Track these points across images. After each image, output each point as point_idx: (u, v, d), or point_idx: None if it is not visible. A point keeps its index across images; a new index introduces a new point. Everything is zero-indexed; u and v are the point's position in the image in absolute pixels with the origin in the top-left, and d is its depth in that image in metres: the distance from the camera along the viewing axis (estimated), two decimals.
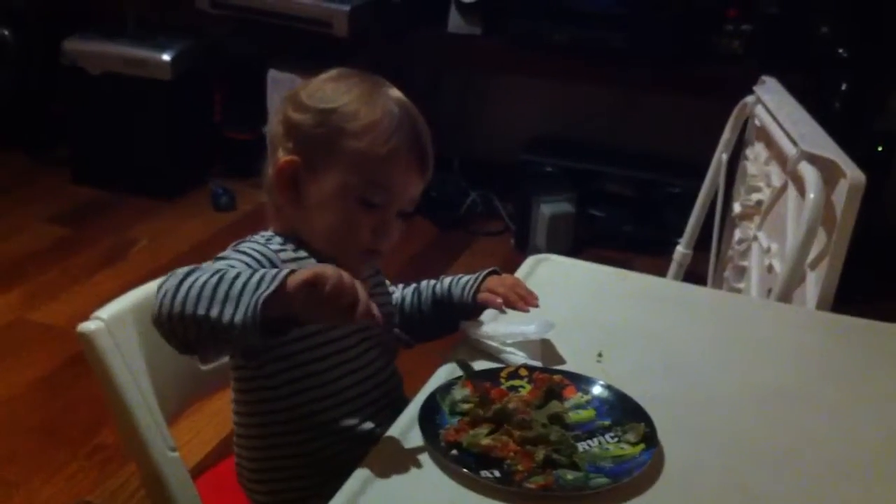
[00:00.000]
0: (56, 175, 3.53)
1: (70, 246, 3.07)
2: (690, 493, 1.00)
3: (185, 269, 0.99)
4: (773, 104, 1.99)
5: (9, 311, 2.66)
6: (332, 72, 1.17)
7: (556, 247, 3.01)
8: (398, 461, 1.00)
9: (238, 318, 0.92)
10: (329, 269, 0.93)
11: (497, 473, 0.98)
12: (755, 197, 2.03)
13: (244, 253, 1.09)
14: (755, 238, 1.99)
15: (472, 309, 1.29)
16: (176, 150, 3.48)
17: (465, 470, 0.97)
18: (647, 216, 3.32)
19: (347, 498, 0.95)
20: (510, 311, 1.25)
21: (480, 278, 1.29)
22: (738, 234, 2.14)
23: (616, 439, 1.05)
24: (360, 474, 0.98)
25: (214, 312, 0.93)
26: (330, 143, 1.11)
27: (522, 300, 1.25)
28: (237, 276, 0.95)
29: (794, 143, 1.76)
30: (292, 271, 0.93)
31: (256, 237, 1.15)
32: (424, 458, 1.01)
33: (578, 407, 1.11)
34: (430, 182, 1.19)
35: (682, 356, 1.29)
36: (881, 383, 1.27)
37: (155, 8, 3.55)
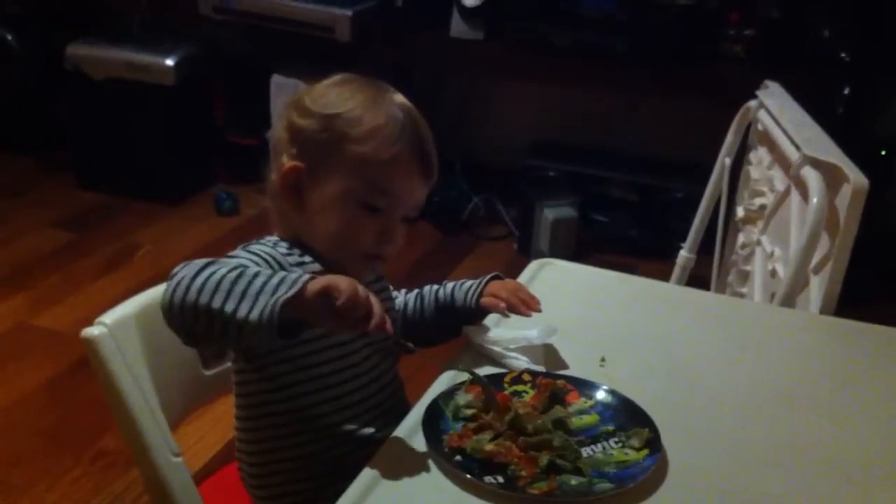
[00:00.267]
0: (59, 180, 3.54)
1: (74, 251, 3.07)
2: (693, 497, 1.00)
3: (203, 260, 0.99)
4: (775, 108, 1.99)
5: (13, 316, 2.66)
6: (336, 77, 1.17)
7: (559, 251, 3.01)
8: (401, 465, 1.00)
9: (254, 315, 0.92)
10: (344, 282, 0.93)
11: (501, 479, 0.97)
12: (758, 201, 2.03)
13: (254, 253, 1.09)
14: (758, 242, 1.98)
15: (475, 314, 1.29)
16: (179, 154, 3.49)
17: (468, 476, 0.97)
18: (650, 220, 3.32)
19: (351, 502, 0.95)
20: (513, 316, 1.25)
21: (483, 283, 1.30)
22: (741, 238, 2.14)
23: (620, 444, 1.05)
24: (364, 478, 0.98)
25: (230, 307, 0.93)
26: (334, 148, 1.11)
27: (525, 304, 1.25)
28: (257, 275, 0.95)
29: (797, 147, 1.76)
30: (312, 278, 0.94)
31: (262, 242, 1.15)
32: (427, 462, 1.01)
33: (582, 412, 1.10)
34: (433, 187, 1.19)
35: (686, 360, 1.28)
36: (884, 387, 1.27)
37: (158, 13, 3.56)
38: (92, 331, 1.13)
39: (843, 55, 2.82)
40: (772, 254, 1.87)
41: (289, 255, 1.13)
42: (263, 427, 1.18)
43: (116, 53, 3.32)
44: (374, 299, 0.94)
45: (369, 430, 1.18)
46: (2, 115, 3.64)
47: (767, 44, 3.06)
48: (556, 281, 1.48)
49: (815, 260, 1.67)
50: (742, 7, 3.13)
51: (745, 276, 2.06)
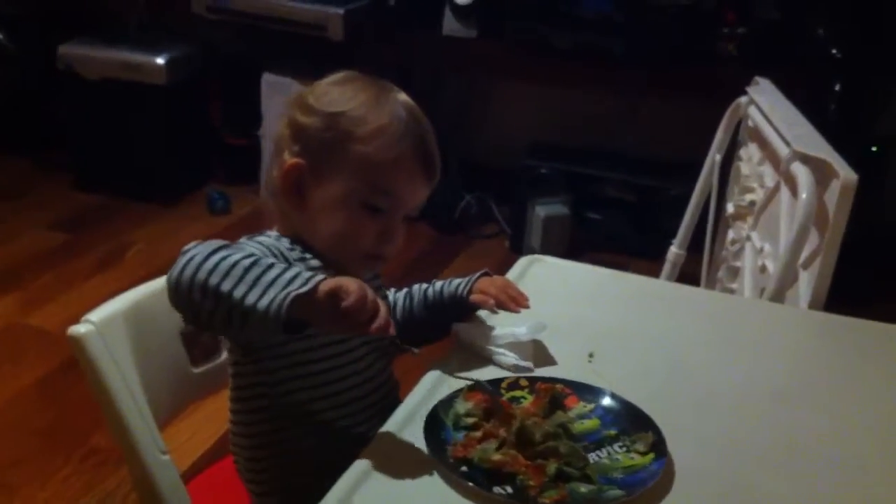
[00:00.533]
0: (54, 180, 3.54)
1: (66, 250, 3.07)
2: (692, 496, 0.99)
3: (217, 241, 0.99)
4: (766, 105, 1.99)
5: (5, 316, 2.66)
6: (339, 75, 1.17)
7: (551, 249, 3.01)
8: (391, 460, 0.99)
9: (262, 304, 0.92)
10: (354, 283, 0.92)
11: (510, 489, 0.95)
12: (748, 197, 2.03)
13: (260, 243, 1.09)
14: (748, 238, 1.99)
15: (465, 311, 1.29)
16: (172, 154, 3.49)
17: (477, 487, 0.95)
18: (643, 220, 3.32)
19: (342, 494, 0.95)
20: (502, 313, 1.25)
21: (472, 280, 1.30)
22: (731, 234, 2.14)
23: (625, 449, 1.04)
24: (352, 473, 0.98)
25: (239, 292, 0.93)
26: (337, 147, 1.11)
27: (513, 301, 1.25)
28: (271, 266, 0.95)
29: (787, 143, 1.77)
30: (325, 278, 0.93)
31: (266, 235, 1.15)
32: (416, 456, 1.00)
33: (582, 417, 1.09)
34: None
35: (676, 356, 1.29)
36: (875, 382, 1.27)
37: (153, 13, 3.56)
38: (79, 329, 1.12)
39: (835, 52, 2.82)
40: (761, 249, 1.88)
41: (291, 250, 1.13)
42: (258, 421, 1.18)
43: (109, 53, 3.32)
44: (380, 302, 0.94)
45: (364, 428, 1.17)
46: None
47: (761, 42, 3.06)
48: (545, 277, 1.48)
49: (805, 255, 1.67)
50: (739, 6, 3.13)
51: (734, 272, 2.06)
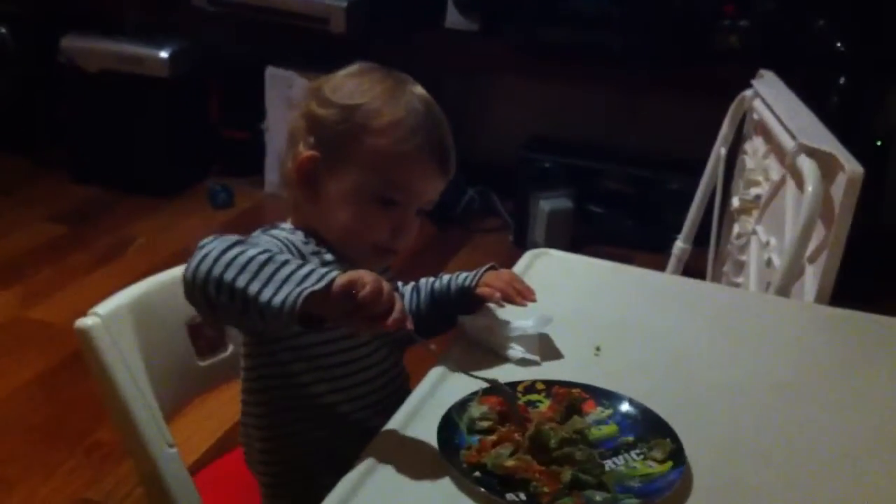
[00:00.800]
0: (54, 173, 3.53)
1: (68, 244, 3.06)
2: (692, 490, 0.99)
3: (234, 236, 0.99)
4: (771, 98, 1.99)
5: (7, 310, 2.65)
6: (354, 67, 1.16)
7: (554, 243, 2.98)
8: (395, 460, 0.99)
9: (276, 301, 0.91)
10: (369, 276, 0.92)
11: (523, 496, 0.93)
12: (754, 191, 2.03)
13: (275, 237, 1.09)
14: (754, 232, 1.98)
15: (471, 305, 1.28)
16: (173, 147, 3.48)
17: (490, 494, 0.93)
18: (646, 213, 3.32)
19: (349, 486, 0.94)
20: (508, 306, 1.25)
21: (479, 274, 1.29)
22: (736, 228, 2.14)
23: (642, 456, 1.01)
24: (356, 471, 0.97)
25: (254, 288, 0.92)
26: (352, 139, 1.10)
27: (520, 294, 1.24)
28: (287, 262, 0.94)
29: (793, 136, 1.76)
30: (339, 273, 0.93)
31: (280, 227, 1.15)
32: (420, 456, 1.00)
33: (599, 422, 1.06)
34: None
35: (681, 350, 1.28)
36: (881, 376, 1.27)
37: (152, 6, 3.55)
38: (85, 321, 1.12)
39: (839, 46, 2.81)
40: (767, 243, 1.87)
41: (305, 244, 1.12)
42: (270, 413, 1.17)
43: (110, 46, 3.31)
44: (396, 296, 0.94)
45: (375, 421, 1.16)
46: None
47: (763, 36, 3.05)
48: (551, 271, 1.47)
49: (811, 249, 1.67)
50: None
51: (740, 266, 2.06)
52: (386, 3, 3.27)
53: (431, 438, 1.00)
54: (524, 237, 3.23)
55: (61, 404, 2.26)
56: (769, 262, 1.83)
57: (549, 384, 1.12)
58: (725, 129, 2.18)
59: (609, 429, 1.06)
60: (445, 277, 1.33)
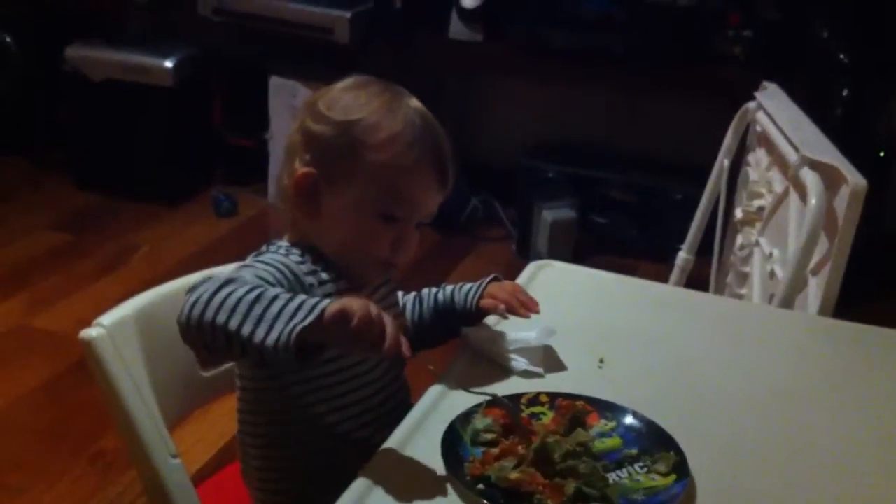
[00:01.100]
0: (58, 181, 3.53)
1: (72, 252, 3.07)
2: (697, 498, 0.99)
3: (224, 276, 0.98)
4: (774, 109, 1.99)
5: (11, 318, 2.66)
6: (350, 80, 1.15)
7: (558, 253, 3.01)
8: (396, 475, 0.98)
9: (270, 341, 0.91)
10: (356, 303, 0.91)
11: None
12: (757, 203, 2.03)
13: (268, 264, 1.07)
14: (757, 244, 1.99)
15: (475, 316, 1.28)
16: (177, 156, 3.49)
17: None
18: (649, 222, 3.32)
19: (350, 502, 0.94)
20: (511, 317, 1.25)
21: (483, 285, 1.29)
22: (740, 239, 2.14)
23: (645, 469, 1.01)
24: (356, 488, 0.96)
25: (247, 330, 0.92)
26: (350, 155, 1.09)
27: (523, 306, 1.24)
28: (275, 298, 0.94)
29: (796, 148, 1.76)
30: (329, 303, 0.92)
31: (273, 249, 1.13)
32: (422, 471, 0.99)
33: (603, 435, 1.06)
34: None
35: (685, 362, 1.28)
36: (883, 388, 1.27)
37: (158, 15, 3.56)
38: (90, 332, 1.12)
39: (842, 57, 2.82)
40: (770, 255, 1.87)
41: (301, 263, 1.11)
42: (267, 431, 1.17)
43: (115, 55, 3.32)
44: (387, 319, 0.93)
45: (377, 436, 1.16)
46: (1, 117, 3.64)
47: (767, 45, 3.06)
48: (554, 282, 1.48)
49: (814, 261, 1.67)
50: (742, 8, 3.13)
51: (743, 278, 2.06)
52: (389, 13, 3.28)
53: (434, 452, 1.00)
54: (527, 247, 3.23)
55: (66, 412, 2.27)
56: (772, 274, 1.83)
57: (553, 396, 1.12)
58: (729, 140, 2.19)
59: (613, 441, 1.06)
60: (449, 288, 1.33)
